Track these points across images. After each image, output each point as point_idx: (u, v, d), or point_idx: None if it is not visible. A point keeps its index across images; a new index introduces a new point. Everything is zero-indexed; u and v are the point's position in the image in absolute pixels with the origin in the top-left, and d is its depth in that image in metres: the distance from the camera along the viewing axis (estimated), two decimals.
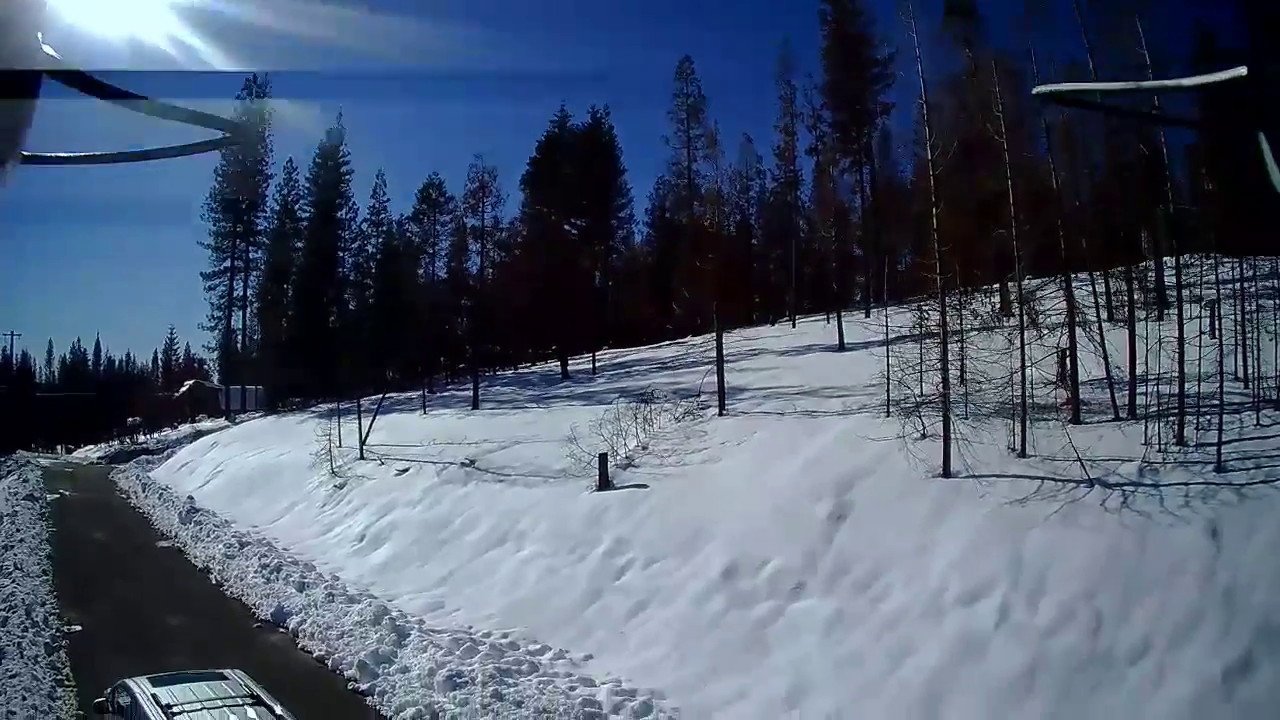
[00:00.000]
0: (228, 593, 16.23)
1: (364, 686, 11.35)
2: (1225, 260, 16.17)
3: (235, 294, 47.98)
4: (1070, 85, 1.12)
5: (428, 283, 40.19)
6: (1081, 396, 14.02)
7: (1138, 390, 13.49)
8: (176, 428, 47.80)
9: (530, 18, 60.52)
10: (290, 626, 13.84)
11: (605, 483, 16.46)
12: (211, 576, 17.49)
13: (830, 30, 35.91)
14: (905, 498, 12.82)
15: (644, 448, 18.35)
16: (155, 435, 48.08)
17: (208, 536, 20.45)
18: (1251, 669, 8.12)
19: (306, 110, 44.78)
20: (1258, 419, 11.99)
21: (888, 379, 16.11)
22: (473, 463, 20.18)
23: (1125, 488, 11.08)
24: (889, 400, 16.12)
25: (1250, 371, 13.34)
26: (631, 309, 44.42)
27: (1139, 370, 13.69)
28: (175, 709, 7.39)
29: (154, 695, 7.70)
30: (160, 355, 78.99)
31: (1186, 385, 12.29)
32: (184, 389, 57.57)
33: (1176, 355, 12.57)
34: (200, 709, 7.48)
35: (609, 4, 67.05)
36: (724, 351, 21.20)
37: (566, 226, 42.06)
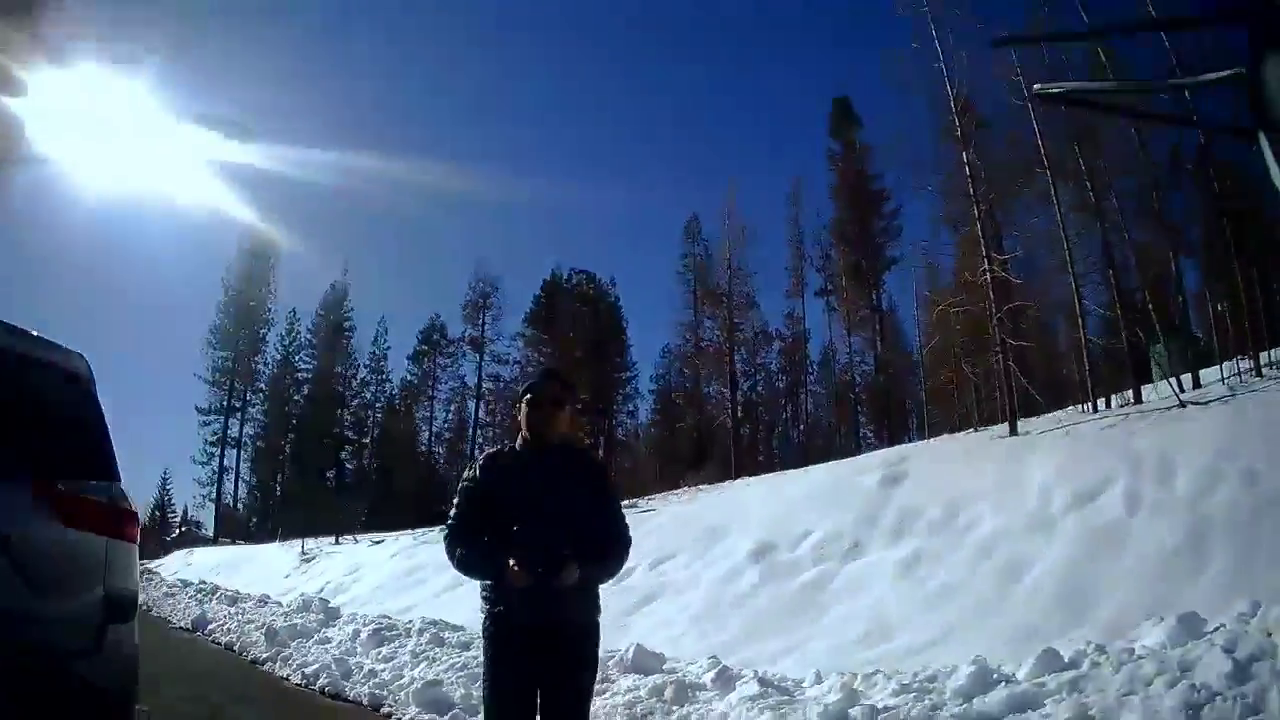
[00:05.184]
0: (153, 613, 13.92)
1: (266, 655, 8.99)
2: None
3: (230, 434, 43.06)
4: (1071, 85, 1.06)
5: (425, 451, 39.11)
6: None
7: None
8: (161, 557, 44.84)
9: (536, 164, 59.92)
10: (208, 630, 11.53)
11: None
12: (141, 606, 15.06)
13: (839, 169, 34.65)
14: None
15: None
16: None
17: (151, 586, 18.14)
18: None
19: (311, 253, 44.70)
20: None
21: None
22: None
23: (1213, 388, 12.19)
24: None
25: None
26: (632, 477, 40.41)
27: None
28: None
29: None
30: (154, 504, 74.90)
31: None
32: (176, 533, 55.31)
33: None
34: None
35: (615, 159, 63.95)
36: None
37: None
